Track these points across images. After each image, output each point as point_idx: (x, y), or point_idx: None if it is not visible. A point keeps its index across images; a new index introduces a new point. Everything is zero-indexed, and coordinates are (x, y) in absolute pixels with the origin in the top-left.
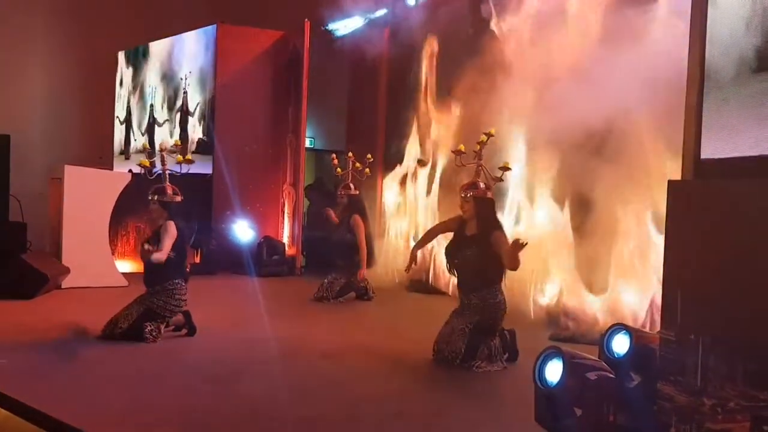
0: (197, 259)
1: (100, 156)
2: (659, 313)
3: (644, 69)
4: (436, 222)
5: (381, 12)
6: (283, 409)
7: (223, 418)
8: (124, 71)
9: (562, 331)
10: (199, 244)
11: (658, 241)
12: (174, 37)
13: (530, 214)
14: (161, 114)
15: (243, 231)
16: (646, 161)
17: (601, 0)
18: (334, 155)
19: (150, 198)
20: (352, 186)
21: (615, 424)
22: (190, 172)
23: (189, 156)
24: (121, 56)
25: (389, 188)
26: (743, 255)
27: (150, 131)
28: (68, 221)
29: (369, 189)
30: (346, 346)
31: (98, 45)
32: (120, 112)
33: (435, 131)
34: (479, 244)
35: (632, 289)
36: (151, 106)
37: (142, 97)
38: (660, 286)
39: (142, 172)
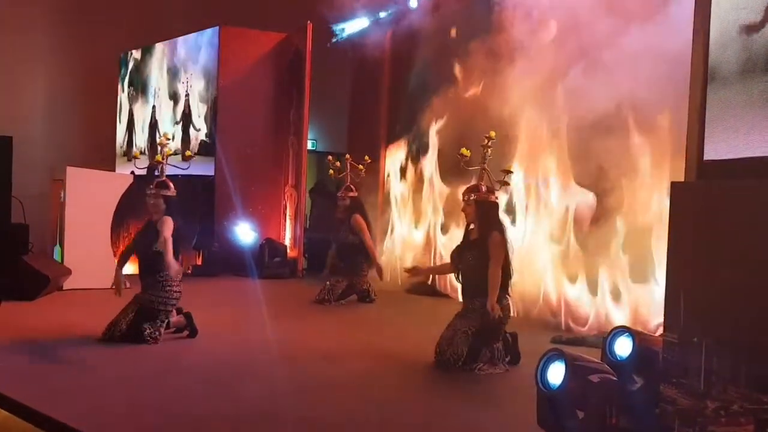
0: (199, 261)
1: (101, 158)
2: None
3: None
4: (440, 222)
5: (384, 14)
6: (284, 411)
7: (223, 420)
8: (126, 73)
9: (565, 333)
10: (201, 245)
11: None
12: (176, 38)
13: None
14: (163, 116)
15: (245, 233)
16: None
17: None
18: (330, 157)
19: (151, 191)
20: (352, 187)
21: (617, 427)
22: (192, 174)
23: (189, 152)
24: (123, 58)
25: (392, 189)
26: (746, 257)
27: (152, 133)
28: (70, 222)
29: (371, 192)
30: (348, 348)
31: (100, 47)
32: (122, 113)
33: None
34: (480, 248)
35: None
36: (153, 107)
37: (143, 98)
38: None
39: (134, 164)
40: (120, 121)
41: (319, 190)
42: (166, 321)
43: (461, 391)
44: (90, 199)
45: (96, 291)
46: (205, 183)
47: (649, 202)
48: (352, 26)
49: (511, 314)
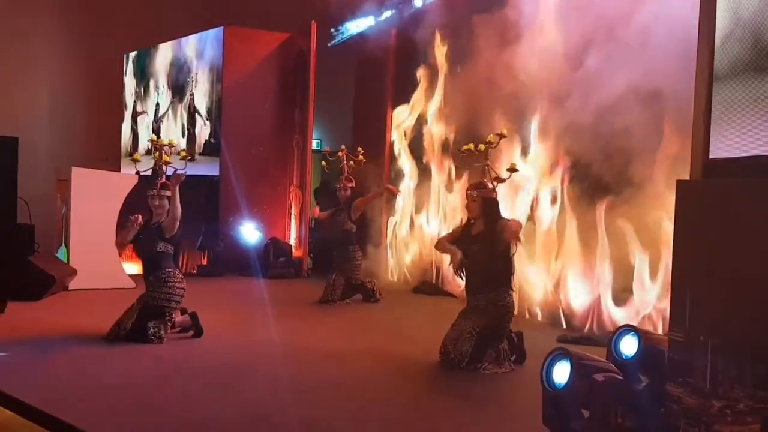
0: (204, 261)
1: (106, 158)
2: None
3: None
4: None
5: (388, 13)
6: (288, 411)
7: (227, 420)
8: (130, 73)
9: (570, 332)
10: (206, 246)
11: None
12: (181, 39)
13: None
14: (168, 116)
15: (250, 233)
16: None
17: None
18: (327, 148)
19: (155, 193)
20: (351, 178)
21: (623, 426)
22: (197, 174)
23: (183, 153)
24: (127, 58)
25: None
26: (753, 255)
27: (156, 133)
28: (75, 223)
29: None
30: (352, 348)
31: (105, 47)
32: (127, 113)
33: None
34: (485, 241)
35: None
36: (157, 107)
37: (148, 99)
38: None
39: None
40: (125, 122)
41: (324, 190)
42: (171, 320)
43: (466, 390)
44: (95, 200)
45: (101, 291)
46: (209, 183)
47: (663, 195)
48: (356, 25)
49: (515, 311)
